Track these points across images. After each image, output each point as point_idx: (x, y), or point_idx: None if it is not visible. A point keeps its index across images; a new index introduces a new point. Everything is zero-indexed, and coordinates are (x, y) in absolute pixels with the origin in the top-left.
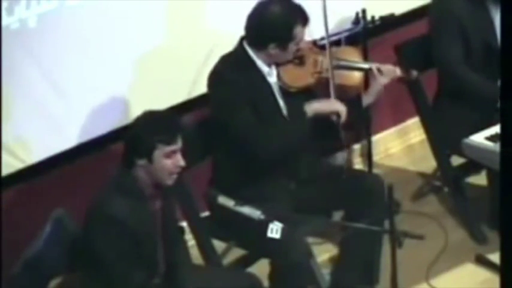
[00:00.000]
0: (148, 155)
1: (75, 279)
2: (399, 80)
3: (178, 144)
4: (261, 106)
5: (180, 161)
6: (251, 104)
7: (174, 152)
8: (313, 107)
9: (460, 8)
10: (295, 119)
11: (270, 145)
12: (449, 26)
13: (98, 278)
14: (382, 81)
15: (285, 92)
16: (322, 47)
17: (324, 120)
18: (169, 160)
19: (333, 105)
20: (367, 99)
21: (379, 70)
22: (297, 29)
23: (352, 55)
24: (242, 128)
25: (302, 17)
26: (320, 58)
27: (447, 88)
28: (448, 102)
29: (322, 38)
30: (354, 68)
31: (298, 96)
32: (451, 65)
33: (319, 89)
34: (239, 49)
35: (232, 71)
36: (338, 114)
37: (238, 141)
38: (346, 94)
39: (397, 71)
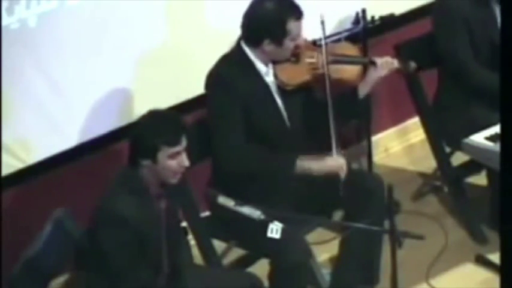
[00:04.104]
0: (152, 156)
1: (77, 279)
2: (397, 72)
3: (183, 145)
4: (258, 106)
5: (184, 161)
6: (247, 108)
7: (178, 152)
8: (305, 166)
9: (465, 7)
10: (283, 163)
11: (243, 163)
12: (456, 25)
13: (103, 277)
14: (380, 73)
15: (283, 90)
16: (321, 46)
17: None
18: (174, 161)
19: (327, 165)
20: (363, 89)
21: (374, 63)
22: (291, 24)
23: (349, 50)
24: (224, 135)
25: (295, 11)
26: (316, 54)
27: (452, 85)
28: (450, 100)
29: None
30: (351, 62)
31: (296, 94)
32: (463, 62)
33: (316, 86)
34: (237, 49)
35: (230, 73)
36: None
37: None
38: (344, 88)
39: (395, 63)
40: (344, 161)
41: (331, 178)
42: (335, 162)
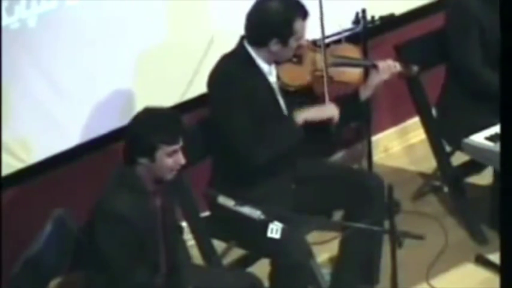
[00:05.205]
0: (151, 155)
1: (76, 279)
2: (399, 75)
3: (180, 143)
4: (262, 105)
5: (181, 159)
6: (251, 105)
7: (175, 151)
8: (303, 116)
9: (478, 9)
10: (286, 126)
11: (260, 153)
12: (469, 29)
13: (101, 276)
14: (382, 77)
15: (285, 91)
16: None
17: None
18: (171, 159)
19: (324, 112)
20: (364, 93)
21: (376, 67)
22: (297, 24)
23: (351, 52)
24: (237, 132)
25: (301, 11)
26: (318, 56)
27: (458, 84)
28: (458, 97)
29: (323, 38)
30: (353, 64)
31: (297, 95)
32: (474, 68)
33: (318, 87)
34: (240, 48)
35: (234, 70)
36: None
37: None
38: (345, 91)
39: (397, 66)
40: (335, 106)
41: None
42: (331, 109)
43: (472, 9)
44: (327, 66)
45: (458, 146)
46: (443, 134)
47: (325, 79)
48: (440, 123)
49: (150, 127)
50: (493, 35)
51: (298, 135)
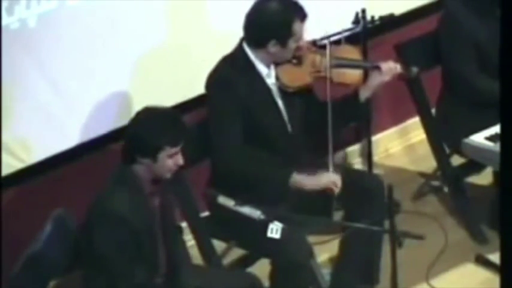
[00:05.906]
0: (153, 155)
1: (76, 278)
2: (399, 77)
3: (181, 144)
4: (259, 109)
5: (180, 160)
6: (248, 110)
7: (176, 152)
8: (297, 181)
9: (471, 21)
10: (276, 177)
11: (235, 169)
12: (460, 37)
13: (99, 276)
14: (383, 78)
15: (284, 92)
16: (321, 47)
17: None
18: (172, 159)
19: (320, 182)
20: (364, 93)
21: (378, 68)
22: (296, 25)
23: (351, 53)
24: (220, 140)
25: (300, 13)
26: (318, 57)
27: (457, 95)
28: (455, 103)
29: (322, 38)
30: (354, 66)
31: (297, 96)
32: (468, 76)
33: (318, 88)
34: (239, 51)
35: (231, 74)
36: (330, 188)
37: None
38: (345, 92)
39: (398, 68)
40: (338, 177)
41: (324, 194)
42: (328, 178)
43: (463, 21)
44: (331, 65)
45: (456, 150)
46: (442, 138)
47: (327, 83)
48: (438, 127)
49: (154, 128)
50: (488, 43)
51: (280, 188)
